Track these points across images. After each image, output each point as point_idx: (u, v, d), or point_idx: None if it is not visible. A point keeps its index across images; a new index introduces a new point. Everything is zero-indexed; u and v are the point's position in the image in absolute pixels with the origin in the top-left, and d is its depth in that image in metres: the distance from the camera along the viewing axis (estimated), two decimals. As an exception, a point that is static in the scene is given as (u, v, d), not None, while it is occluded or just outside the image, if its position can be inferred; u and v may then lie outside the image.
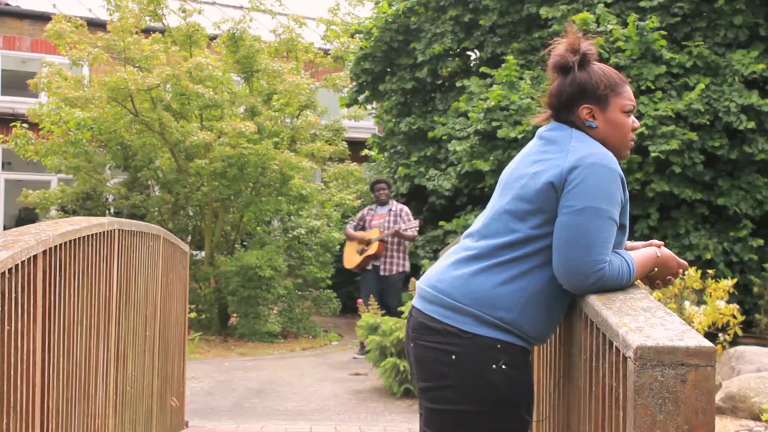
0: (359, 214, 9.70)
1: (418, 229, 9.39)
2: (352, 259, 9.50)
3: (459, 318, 2.27)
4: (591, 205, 2.19)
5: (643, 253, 2.33)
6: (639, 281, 2.36)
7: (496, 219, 2.34)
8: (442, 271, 2.37)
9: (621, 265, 2.22)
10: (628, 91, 2.43)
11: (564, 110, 2.40)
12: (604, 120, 2.37)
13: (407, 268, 9.40)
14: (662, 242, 2.38)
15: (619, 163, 2.31)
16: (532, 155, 2.37)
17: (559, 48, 2.41)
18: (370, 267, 9.34)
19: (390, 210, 9.40)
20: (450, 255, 2.41)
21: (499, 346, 2.25)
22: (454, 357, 2.26)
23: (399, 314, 8.23)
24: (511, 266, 2.27)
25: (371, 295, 8.79)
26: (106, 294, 3.57)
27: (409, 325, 2.45)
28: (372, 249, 9.24)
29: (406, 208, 9.43)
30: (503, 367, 2.25)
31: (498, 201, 2.38)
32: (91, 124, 10.66)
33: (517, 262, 2.27)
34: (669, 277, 2.35)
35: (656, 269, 2.33)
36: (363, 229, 9.47)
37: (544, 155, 2.32)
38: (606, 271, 2.18)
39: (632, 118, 2.41)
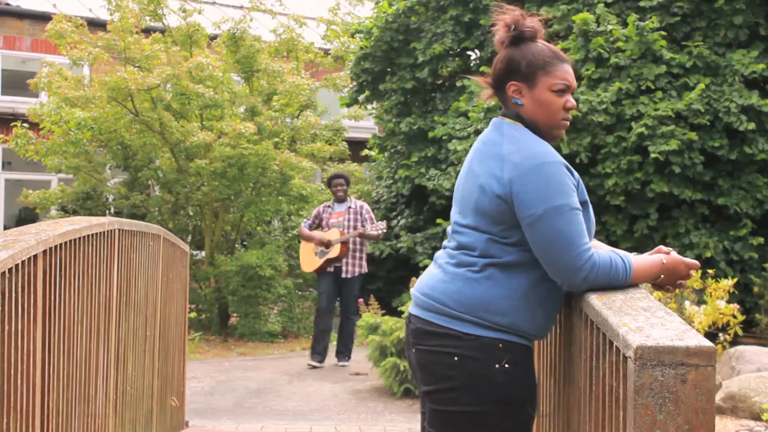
0: (314, 212, 8.84)
1: (385, 231, 8.80)
2: (310, 261, 8.63)
3: (458, 323, 2.29)
4: (549, 207, 2.19)
5: (647, 257, 2.30)
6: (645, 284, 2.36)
7: (466, 232, 2.34)
8: (434, 278, 2.38)
9: (615, 259, 2.22)
10: (562, 69, 2.32)
11: (496, 87, 2.41)
12: (531, 98, 2.34)
13: (366, 270, 8.75)
14: (670, 249, 2.34)
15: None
16: (475, 164, 2.37)
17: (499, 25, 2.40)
18: (331, 269, 8.50)
19: (349, 207, 8.59)
20: (438, 260, 2.43)
21: (500, 345, 2.26)
22: (456, 359, 2.27)
23: (358, 317, 8.27)
24: (496, 272, 2.28)
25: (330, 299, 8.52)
26: (107, 294, 3.57)
27: (408, 331, 2.46)
28: (334, 252, 8.41)
29: (366, 206, 8.72)
30: (506, 366, 2.26)
31: (461, 213, 2.39)
32: (91, 123, 10.67)
33: (501, 268, 2.28)
34: (679, 281, 2.31)
35: (663, 276, 2.28)
36: (319, 227, 8.66)
37: (483, 164, 2.32)
38: (594, 258, 2.19)
39: (566, 97, 2.33)
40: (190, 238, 11.51)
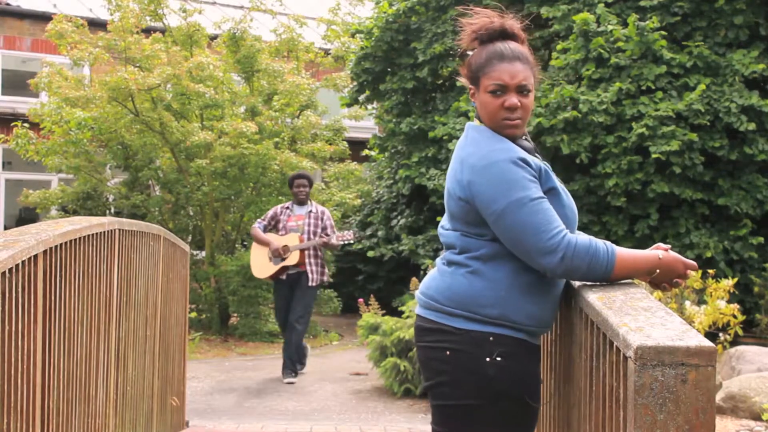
0: (270, 213, 8.11)
1: (352, 242, 8.27)
2: (263, 266, 7.94)
3: (450, 318, 2.34)
4: (508, 202, 2.23)
5: (642, 252, 2.32)
6: (645, 284, 2.36)
7: (447, 234, 2.43)
8: (430, 278, 2.47)
9: (595, 241, 2.23)
10: (498, 69, 2.35)
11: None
12: (478, 101, 2.42)
13: (327, 278, 8.25)
14: (668, 246, 2.35)
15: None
16: (450, 167, 2.47)
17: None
18: (284, 276, 7.84)
19: (310, 212, 7.94)
20: (437, 261, 2.52)
21: (491, 339, 2.29)
22: (448, 353, 2.32)
23: (305, 328, 7.94)
24: (481, 266, 2.33)
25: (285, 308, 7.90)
26: (107, 294, 3.57)
27: (414, 331, 2.55)
28: (292, 259, 7.74)
29: (327, 212, 8.08)
30: (498, 359, 2.28)
31: (445, 216, 2.50)
32: (91, 123, 10.67)
33: (484, 262, 2.33)
34: (676, 280, 2.31)
35: (658, 271, 2.28)
36: (275, 230, 8.00)
37: (450, 169, 2.44)
38: (567, 238, 2.21)
39: (505, 97, 2.34)
40: (190, 238, 11.51)
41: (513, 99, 2.34)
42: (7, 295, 2.28)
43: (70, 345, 3.02)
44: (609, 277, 2.24)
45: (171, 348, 5.37)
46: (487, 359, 2.27)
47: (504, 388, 2.28)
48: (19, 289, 2.40)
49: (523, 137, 2.44)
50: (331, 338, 10.99)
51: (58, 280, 2.83)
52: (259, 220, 8.17)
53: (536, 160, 2.34)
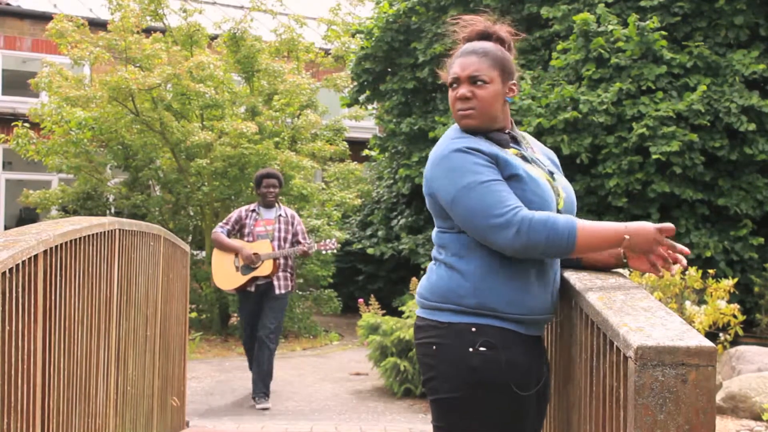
0: (234, 215, 7.21)
1: (334, 250, 7.59)
2: (228, 276, 7.09)
3: (436, 313, 2.38)
4: (458, 189, 2.29)
5: (606, 222, 2.31)
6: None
7: (434, 230, 2.52)
8: (423, 278, 2.53)
9: (554, 215, 2.24)
10: (454, 64, 2.45)
11: None
12: None
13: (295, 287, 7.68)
14: (671, 226, 2.29)
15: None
16: None
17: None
18: (252, 288, 7.03)
19: (279, 216, 7.12)
20: None
21: (474, 329, 2.31)
22: (435, 348, 2.36)
23: (276, 345, 7.19)
24: (457, 260, 2.37)
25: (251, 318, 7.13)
26: (107, 294, 3.57)
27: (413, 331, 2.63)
28: (264, 269, 6.93)
29: (297, 216, 7.28)
30: (481, 349, 2.29)
31: None
32: (92, 123, 10.67)
33: (460, 255, 2.37)
34: (660, 253, 2.23)
35: (627, 237, 2.21)
36: (240, 236, 7.15)
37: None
38: (521, 213, 2.22)
39: (458, 89, 2.42)
40: (190, 238, 11.50)
41: (461, 89, 2.41)
42: (7, 295, 2.28)
43: (70, 345, 3.02)
44: (573, 249, 2.22)
45: (171, 348, 5.37)
46: (470, 350, 2.29)
47: (489, 377, 2.29)
48: (19, 289, 2.40)
49: (506, 131, 2.46)
50: (331, 338, 10.99)
51: (58, 280, 2.83)
52: (221, 224, 7.28)
53: (494, 148, 2.36)
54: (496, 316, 2.31)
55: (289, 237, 7.08)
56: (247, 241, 7.05)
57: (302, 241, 7.07)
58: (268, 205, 7.16)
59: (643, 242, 2.23)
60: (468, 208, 2.27)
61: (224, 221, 7.26)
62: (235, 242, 7.05)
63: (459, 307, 2.33)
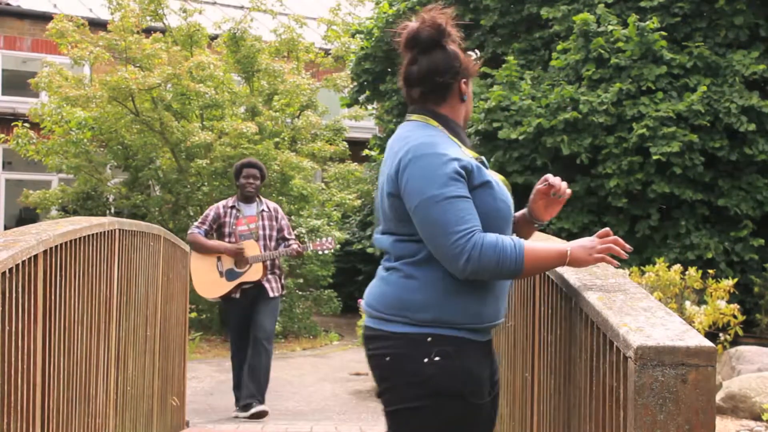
0: (211, 213, 6.42)
1: (332, 249, 6.87)
2: (213, 284, 6.32)
3: (388, 324, 2.33)
4: (423, 198, 2.23)
5: (551, 245, 2.31)
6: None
7: (381, 239, 2.42)
8: (371, 285, 2.46)
9: (502, 238, 2.22)
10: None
11: None
12: None
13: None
14: (611, 235, 2.32)
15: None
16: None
17: None
18: (237, 294, 6.31)
19: (262, 212, 6.43)
20: (379, 267, 2.49)
21: (429, 339, 2.28)
22: (388, 359, 2.32)
23: (272, 348, 6.51)
24: (412, 270, 2.31)
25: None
26: (107, 294, 3.57)
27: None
28: (253, 274, 6.26)
29: (280, 209, 6.59)
30: (436, 359, 2.26)
31: (378, 218, 2.48)
32: (92, 123, 10.68)
33: (416, 265, 2.31)
34: (600, 249, 2.27)
35: (570, 250, 2.26)
36: (220, 236, 6.38)
37: (384, 166, 2.44)
38: (476, 239, 2.19)
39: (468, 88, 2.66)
40: (190, 238, 11.50)
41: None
42: (7, 295, 2.28)
43: (70, 345, 3.02)
44: (520, 273, 2.24)
45: (171, 348, 5.37)
46: (425, 360, 2.26)
47: (442, 386, 2.27)
48: (19, 289, 2.40)
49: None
50: (331, 338, 10.99)
51: (58, 280, 2.83)
52: (196, 223, 6.49)
53: (466, 156, 2.34)
54: (452, 327, 2.29)
55: (275, 234, 6.42)
56: (230, 242, 6.32)
57: (288, 237, 6.44)
58: (248, 199, 6.41)
59: (583, 253, 2.28)
60: (428, 221, 2.22)
61: (200, 220, 6.48)
62: (220, 244, 6.30)
63: (411, 320, 2.29)
